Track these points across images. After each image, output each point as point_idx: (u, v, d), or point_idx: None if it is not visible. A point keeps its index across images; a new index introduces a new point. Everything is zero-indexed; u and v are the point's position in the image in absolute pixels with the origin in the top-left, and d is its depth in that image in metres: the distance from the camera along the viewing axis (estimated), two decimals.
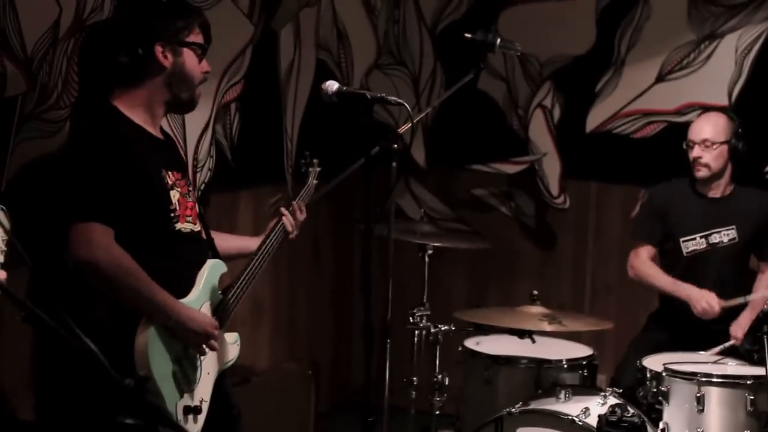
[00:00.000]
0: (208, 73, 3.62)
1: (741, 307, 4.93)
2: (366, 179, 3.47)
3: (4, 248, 2.69)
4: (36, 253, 3.99)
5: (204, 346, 3.48)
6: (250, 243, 3.89)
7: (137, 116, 3.50)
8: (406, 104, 3.68)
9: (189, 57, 3.53)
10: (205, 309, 3.55)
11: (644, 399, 4.43)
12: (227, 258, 3.78)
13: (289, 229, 3.89)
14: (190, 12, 3.62)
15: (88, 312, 3.38)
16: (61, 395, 3.62)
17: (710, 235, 5.06)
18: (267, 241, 3.81)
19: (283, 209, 3.90)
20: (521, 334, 4.49)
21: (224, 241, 3.84)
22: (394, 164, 3.66)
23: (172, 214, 3.48)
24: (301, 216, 3.95)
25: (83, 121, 3.62)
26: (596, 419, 3.94)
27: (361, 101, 3.58)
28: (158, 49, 3.47)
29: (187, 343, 3.45)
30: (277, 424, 5.01)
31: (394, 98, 3.65)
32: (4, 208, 2.43)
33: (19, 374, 4.12)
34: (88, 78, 4.27)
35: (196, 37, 3.56)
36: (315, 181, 4.07)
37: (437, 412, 4.58)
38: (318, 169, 4.08)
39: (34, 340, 4.05)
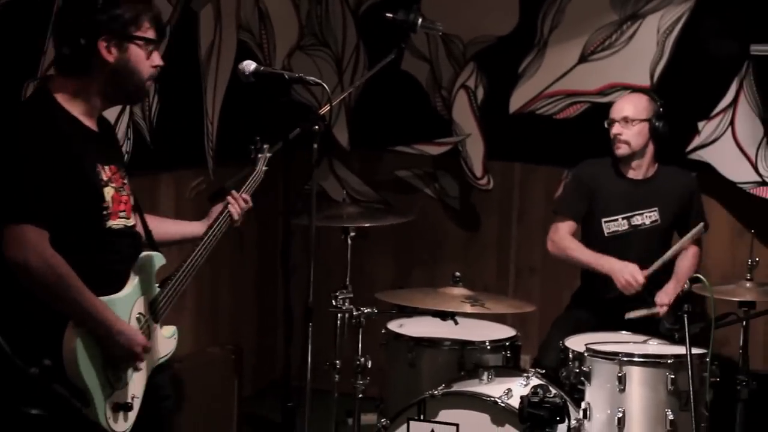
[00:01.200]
0: (159, 68, 3.50)
1: (661, 283, 4.95)
2: (285, 161, 3.43)
3: None
4: None
5: (128, 362, 3.42)
6: (191, 228, 3.83)
7: (75, 107, 3.40)
8: (324, 85, 3.64)
9: (135, 52, 3.42)
10: (139, 304, 3.49)
11: (567, 379, 4.44)
12: (167, 243, 3.72)
13: (236, 217, 3.83)
14: (138, 4, 3.48)
15: (16, 306, 3.32)
16: None
17: (632, 216, 5.09)
18: (211, 230, 3.75)
19: (229, 197, 3.83)
20: (444, 316, 4.46)
21: (164, 227, 3.77)
22: (315, 146, 3.62)
23: (105, 212, 3.40)
24: (247, 206, 3.88)
25: (17, 110, 3.50)
26: (518, 400, 3.93)
27: (279, 82, 3.53)
28: (102, 44, 3.35)
29: (113, 356, 3.38)
30: (201, 408, 4.98)
31: (312, 78, 3.60)
32: None
33: None
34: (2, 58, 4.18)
35: (146, 32, 3.43)
36: (265, 168, 3.99)
37: (360, 396, 4.55)
38: (268, 155, 4.00)
39: None
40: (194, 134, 5.61)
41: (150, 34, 3.45)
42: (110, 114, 4.82)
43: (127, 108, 4.97)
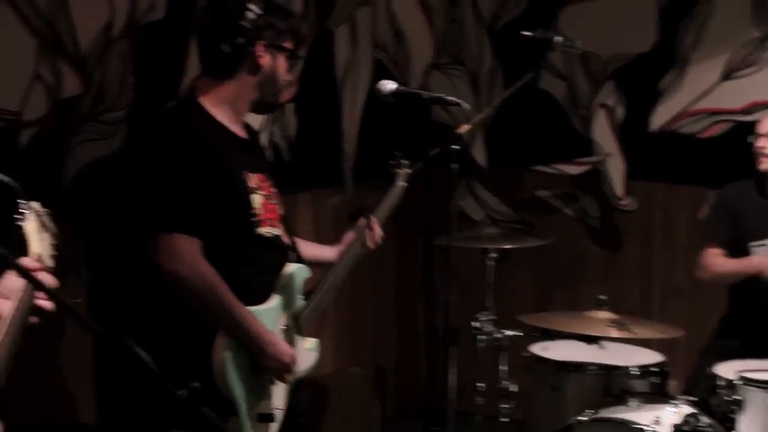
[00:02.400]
0: (290, 82, 3.54)
1: None
2: (425, 181, 3.38)
3: (54, 252, 2.62)
4: (95, 255, 3.98)
5: (278, 373, 3.41)
6: (325, 253, 3.82)
7: (222, 113, 3.42)
8: (464, 104, 3.59)
9: (282, 63, 3.46)
10: (285, 315, 3.48)
11: (717, 408, 4.27)
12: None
13: (370, 246, 3.82)
14: (289, 17, 3.55)
15: (165, 315, 3.34)
16: (121, 402, 3.58)
17: None
18: (343, 259, 3.75)
19: (365, 224, 3.82)
20: (590, 340, 4.34)
21: (302, 248, 3.76)
22: (454, 165, 3.57)
23: (254, 218, 3.40)
24: (379, 232, 3.86)
25: (165, 117, 3.53)
26: (668, 428, 3.79)
27: (417, 101, 3.48)
28: (259, 47, 3.39)
29: (263, 367, 3.38)
30: (342, 429, 4.94)
31: (451, 98, 3.56)
32: (49, 211, 2.34)
33: (82, 377, 4.08)
34: (144, 79, 4.21)
35: (289, 44, 3.48)
36: (404, 184, 3.95)
37: (504, 419, 4.46)
38: (408, 170, 3.96)
39: (95, 344, 4.01)
40: (332, 153, 5.59)
41: (291, 46, 3.49)
42: None
43: (268, 126, 4.97)
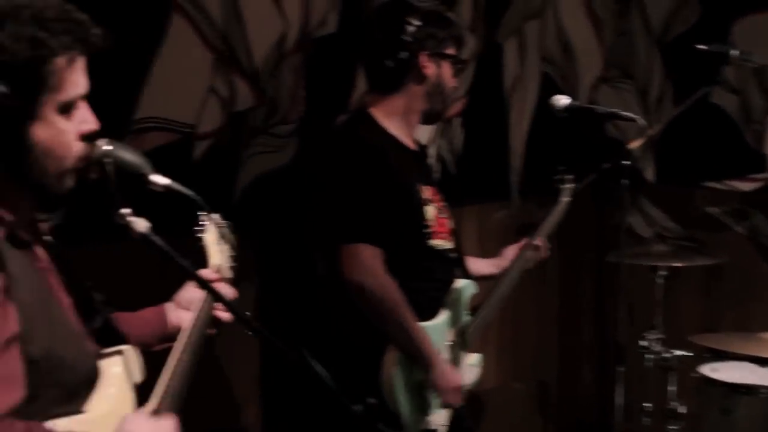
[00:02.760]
0: (455, 89, 3.56)
1: None
2: (594, 196, 3.34)
3: (232, 264, 2.68)
4: (265, 266, 4.04)
5: (443, 397, 3.41)
6: (489, 268, 3.82)
7: (393, 126, 3.46)
8: (639, 119, 3.54)
9: (447, 70, 3.48)
10: (451, 331, 3.48)
11: None
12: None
13: (535, 262, 3.81)
14: (451, 24, 3.56)
15: (336, 326, 3.37)
16: (287, 413, 3.61)
17: None
18: (511, 270, 3.74)
19: (530, 240, 3.80)
20: (762, 362, 4.22)
21: (467, 263, 3.76)
22: (624, 181, 3.53)
23: (427, 230, 3.42)
24: (545, 250, 3.85)
25: (340, 130, 3.59)
26: None
27: (591, 116, 3.45)
28: (423, 58, 3.42)
29: (430, 385, 3.38)
30: None
31: (627, 113, 3.51)
32: (228, 223, 2.40)
33: (249, 386, 4.13)
34: (315, 92, 4.26)
35: (452, 50, 3.50)
36: (568, 199, 3.92)
37: None
38: (572, 185, 3.93)
39: (262, 353, 4.06)
40: (498, 166, 5.56)
41: (454, 53, 3.50)
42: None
43: (435, 141, 4.98)
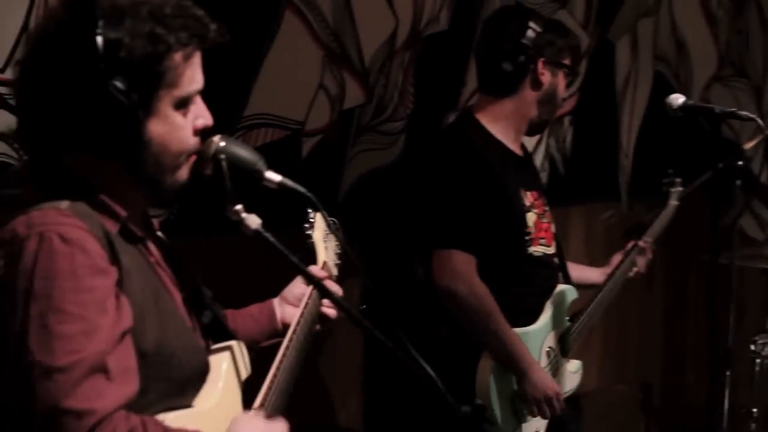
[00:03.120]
0: (565, 100, 3.54)
1: None
2: (706, 198, 3.29)
3: (338, 261, 2.69)
4: (370, 264, 4.06)
5: (539, 405, 3.37)
6: (593, 275, 3.79)
7: (499, 131, 3.45)
8: (758, 119, 3.47)
9: (561, 80, 3.47)
10: (550, 338, 3.47)
11: None
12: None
13: (641, 268, 3.77)
14: (568, 34, 3.56)
15: (432, 330, 3.37)
16: (389, 409, 3.62)
17: None
18: (611, 280, 3.71)
19: (636, 246, 3.76)
20: None
21: (569, 269, 3.73)
22: (737, 182, 3.47)
23: (527, 237, 3.40)
24: (651, 253, 3.81)
25: (446, 133, 3.59)
26: None
27: (707, 116, 3.39)
28: (540, 64, 3.41)
29: (523, 393, 3.35)
30: None
31: (745, 113, 3.44)
32: (336, 221, 2.41)
33: (351, 380, 4.15)
34: (424, 90, 4.26)
35: (569, 61, 3.49)
36: (676, 203, 3.88)
37: None
38: (681, 189, 3.89)
39: (365, 348, 4.07)
40: (608, 166, 5.51)
41: (569, 63, 3.48)
42: (527, 145, 4.87)
43: (544, 139, 4.95)
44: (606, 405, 5.03)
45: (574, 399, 4.32)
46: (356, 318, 2.12)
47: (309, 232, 2.60)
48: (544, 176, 5.00)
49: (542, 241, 3.46)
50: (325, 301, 2.48)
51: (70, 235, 1.82)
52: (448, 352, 3.32)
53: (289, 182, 2.14)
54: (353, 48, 4.01)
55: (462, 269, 3.26)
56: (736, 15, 6.08)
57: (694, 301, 5.69)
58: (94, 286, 1.80)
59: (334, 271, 2.65)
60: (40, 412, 1.71)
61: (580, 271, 3.83)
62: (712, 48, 6.05)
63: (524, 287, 3.42)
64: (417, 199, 3.43)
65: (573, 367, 3.63)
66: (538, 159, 4.93)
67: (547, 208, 3.54)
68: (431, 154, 3.47)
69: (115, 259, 1.87)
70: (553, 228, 3.55)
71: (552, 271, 3.54)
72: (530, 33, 3.41)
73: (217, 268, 3.35)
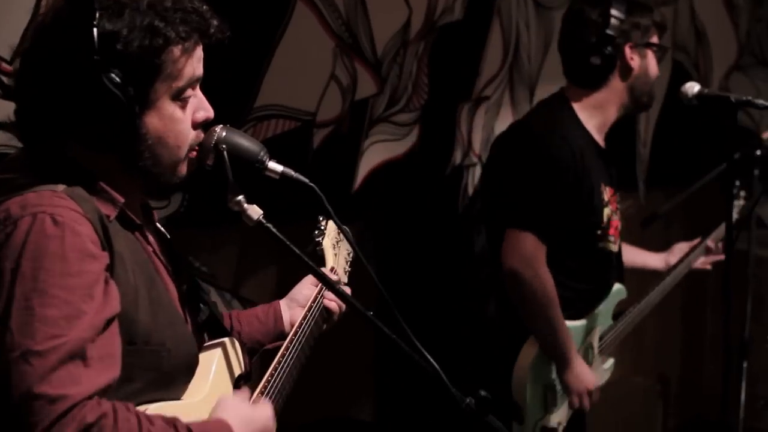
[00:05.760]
0: (658, 77, 3.50)
1: None
2: (727, 187, 3.26)
3: (348, 269, 2.67)
4: (384, 255, 4.04)
5: (574, 397, 3.37)
6: (652, 260, 3.76)
7: (590, 122, 3.41)
8: None
9: (652, 60, 3.43)
10: (594, 334, 3.45)
11: None
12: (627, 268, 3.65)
13: (706, 266, 3.76)
14: (651, 10, 3.50)
15: (478, 305, 3.36)
16: (401, 404, 3.61)
17: None
18: (676, 269, 3.69)
19: (703, 243, 3.75)
20: None
21: (626, 253, 3.69)
22: (756, 171, 3.44)
23: (599, 232, 3.37)
24: (718, 253, 3.79)
25: (539, 115, 3.54)
26: None
27: (723, 104, 3.36)
28: (627, 50, 3.37)
29: (563, 383, 3.35)
30: None
31: (762, 101, 3.41)
32: (346, 228, 2.37)
33: (363, 377, 4.14)
34: (438, 80, 4.24)
35: (655, 39, 3.44)
36: (738, 217, 3.84)
37: None
38: (744, 202, 3.90)
39: (376, 344, 4.06)
40: (625, 155, 5.47)
41: (656, 40, 3.43)
42: None
43: None
44: (623, 396, 5.01)
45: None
46: (360, 309, 2.10)
47: (318, 239, 2.57)
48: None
49: (611, 238, 3.43)
50: (328, 294, 2.47)
51: (63, 217, 1.81)
52: (490, 330, 3.32)
53: (292, 173, 2.13)
54: (366, 38, 3.99)
55: (532, 254, 3.22)
56: (756, 3, 6.03)
57: (712, 292, 5.65)
58: (82, 270, 1.79)
59: (344, 278, 2.64)
60: (14, 394, 1.70)
61: (635, 254, 3.80)
62: (732, 37, 6.00)
63: (585, 283, 3.40)
64: (502, 175, 3.39)
65: (607, 364, 3.63)
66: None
67: (619, 206, 3.51)
68: (525, 133, 3.42)
69: (107, 243, 1.87)
70: (620, 225, 3.52)
71: (613, 270, 3.52)
72: (614, 21, 3.34)
73: (224, 257, 3.35)
